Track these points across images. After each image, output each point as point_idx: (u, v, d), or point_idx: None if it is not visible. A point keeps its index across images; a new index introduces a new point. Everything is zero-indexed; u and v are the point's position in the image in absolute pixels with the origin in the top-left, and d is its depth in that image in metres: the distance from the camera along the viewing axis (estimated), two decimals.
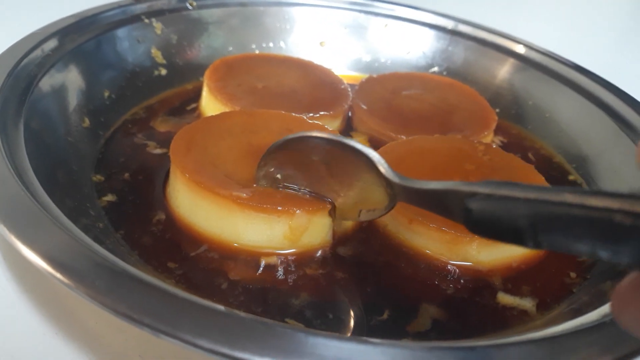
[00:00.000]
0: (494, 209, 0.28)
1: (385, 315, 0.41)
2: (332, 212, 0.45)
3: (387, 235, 0.48)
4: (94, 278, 0.30)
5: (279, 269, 0.44)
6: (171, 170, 0.49)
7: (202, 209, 0.45)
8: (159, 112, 0.63)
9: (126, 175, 0.52)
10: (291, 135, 0.43)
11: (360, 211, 0.44)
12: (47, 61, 0.53)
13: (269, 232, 0.44)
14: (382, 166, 0.40)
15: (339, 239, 0.47)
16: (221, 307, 0.30)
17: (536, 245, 0.25)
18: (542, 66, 0.71)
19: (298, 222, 0.44)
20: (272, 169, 0.45)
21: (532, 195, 0.26)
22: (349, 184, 0.43)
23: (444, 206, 0.33)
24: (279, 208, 0.43)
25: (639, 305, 0.23)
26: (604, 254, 0.23)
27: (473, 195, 0.29)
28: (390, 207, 0.41)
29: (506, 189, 0.27)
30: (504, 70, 0.74)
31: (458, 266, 0.46)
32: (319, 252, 0.46)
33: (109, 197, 0.48)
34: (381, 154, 0.52)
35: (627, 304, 0.23)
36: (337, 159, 0.42)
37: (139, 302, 0.29)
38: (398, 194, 0.39)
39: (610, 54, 1.06)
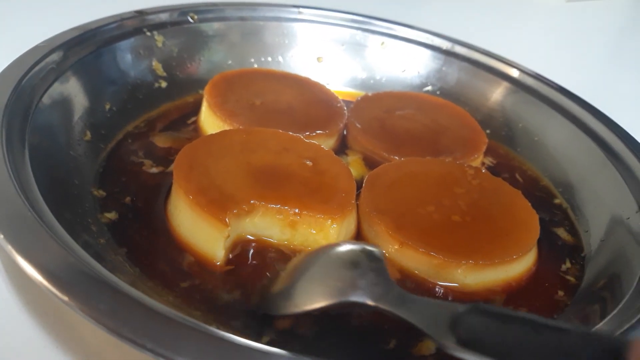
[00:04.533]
0: None
1: (392, 345, 0.42)
2: None
3: None
4: (98, 301, 0.31)
5: None
6: (173, 189, 0.50)
7: (202, 230, 0.46)
8: (159, 126, 0.64)
9: (127, 190, 0.52)
10: None
11: None
12: (50, 74, 0.54)
13: None
14: None
15: None
16: (221, 333, 0.31)
17: None
18: (534, 90, 0.72)
19: None
20: None
21: None
22: None
23: None
24: None
25: None
26: None
27: None
28: None
29: None
30: (496, 93, 0.75)
31: (445, 287, 0.48)
32: None
33: (111, 213, 0.49)
34: (374, 177, 0.54)
35: None
36: None
37: (141, 326, 0.30)
38: None
39: (601, 74, 1.09)
